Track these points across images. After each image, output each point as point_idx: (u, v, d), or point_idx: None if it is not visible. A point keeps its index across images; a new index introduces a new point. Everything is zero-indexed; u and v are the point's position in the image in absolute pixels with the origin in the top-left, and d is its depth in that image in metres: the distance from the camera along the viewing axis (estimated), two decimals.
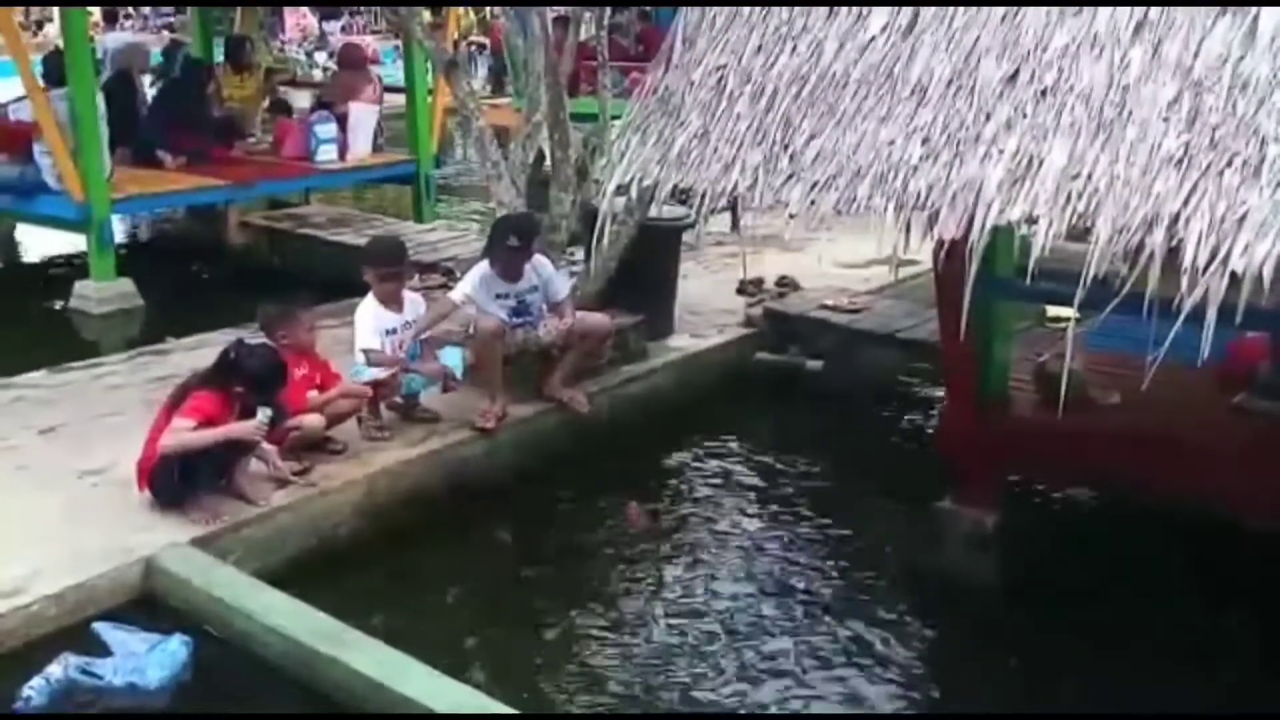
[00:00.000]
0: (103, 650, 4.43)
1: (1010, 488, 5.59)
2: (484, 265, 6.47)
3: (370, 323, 6.15)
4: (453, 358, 6.36)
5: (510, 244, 6.36)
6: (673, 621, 5.11)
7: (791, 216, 4.28)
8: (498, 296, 6.43)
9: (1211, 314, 3.43)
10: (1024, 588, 5.15)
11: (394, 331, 6.22)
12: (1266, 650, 4.61)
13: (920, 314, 7.56)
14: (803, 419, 7.31)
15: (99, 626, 4.54)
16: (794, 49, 4.54)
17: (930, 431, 6.70)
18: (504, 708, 4.03)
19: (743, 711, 4.46)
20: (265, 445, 5.43)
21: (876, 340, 7.71)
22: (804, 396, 7.54)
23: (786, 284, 8.79)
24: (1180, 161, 3.61)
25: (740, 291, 8.71)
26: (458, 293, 6.43)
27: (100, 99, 9.44)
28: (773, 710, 4.50)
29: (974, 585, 5.18)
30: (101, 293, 9.14)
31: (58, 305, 9.44)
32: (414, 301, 6.41)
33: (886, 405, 7.50)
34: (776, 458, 6.78)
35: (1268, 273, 3.33)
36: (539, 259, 6.59)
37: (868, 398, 7.50)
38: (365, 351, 6.09)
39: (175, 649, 4.42)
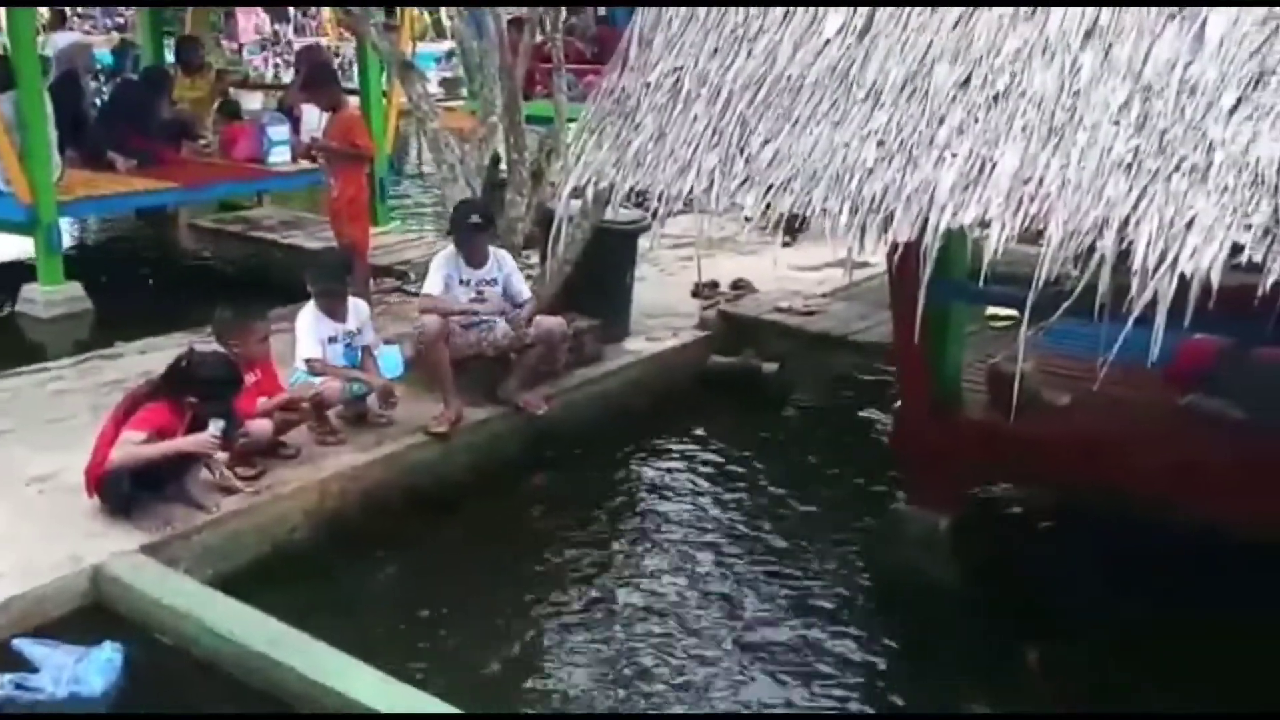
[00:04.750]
0: (28, 667, 4.34)
1: (964, 488, 5.62)
2: (448, 252, 6.49)
3: (311, 331, 6.10)
4: (391, 357, 6.32)
5: (473, 221, 6.39)
6: (626, 622, 5.11)
7: (748, 220, 4.29)
8: (461, 282, 6.43)
9: (1161, 315, 3.46)
10: (977, 587, 5.19)
11: (335, 340, 6.18)
12: (1214, 646, 4.67)
13: (874, 316, 7.60)
14: (758, 421, 7.33)
15: (20, 644, 4.46)
16: (750, 52, 4.55)
17: (885, 433, 6.73)
18: (453, 709, 4.01)
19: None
20: (215, 454, 5.37)
21: (831, 343, 7.75)
22: (759, 399, 7.56)
23: (741, 287, 8.82)
24: (1130, 166, 3.65)
25: (695, 295, 8.73)
26: (433, 286, 6.39)
27: (47, 100, 9.29)
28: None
29: (928, 585, 5.21)
30: (49, 296, 8.99)
31: (4, 309, 9.28)
32: (358, 308, 6.37)
33: (841, 407, 7.53)
34: (732, 460, 6.79)
35: (1215, 275, 3.38)
36: (503, 253, 6.60)
37: (823, 400, 7.53)
38: (307, 361, 6.04)
39: (110, 656, 4.36)
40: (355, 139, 8.23)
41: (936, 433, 5.29)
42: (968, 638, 4.93)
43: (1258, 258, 3.35)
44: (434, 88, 20.72)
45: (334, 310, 6.20)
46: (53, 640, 4.48)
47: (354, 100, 11.11)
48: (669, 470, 6.73)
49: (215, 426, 5.15)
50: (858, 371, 7.80)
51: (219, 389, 5.24)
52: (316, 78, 9.06)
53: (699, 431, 7.17)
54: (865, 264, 5.97)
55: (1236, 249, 3.39)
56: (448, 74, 20.46)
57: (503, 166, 7.47)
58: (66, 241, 10.01)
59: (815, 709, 4.54)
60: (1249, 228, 3.40)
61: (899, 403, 5.66)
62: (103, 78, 15.11)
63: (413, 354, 6.51)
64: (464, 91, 16.14)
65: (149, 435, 5.10)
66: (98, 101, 12.31)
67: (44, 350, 8.14)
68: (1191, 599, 4.84)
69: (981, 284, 4.13)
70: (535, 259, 7.73)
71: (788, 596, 5.32)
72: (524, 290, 6.61)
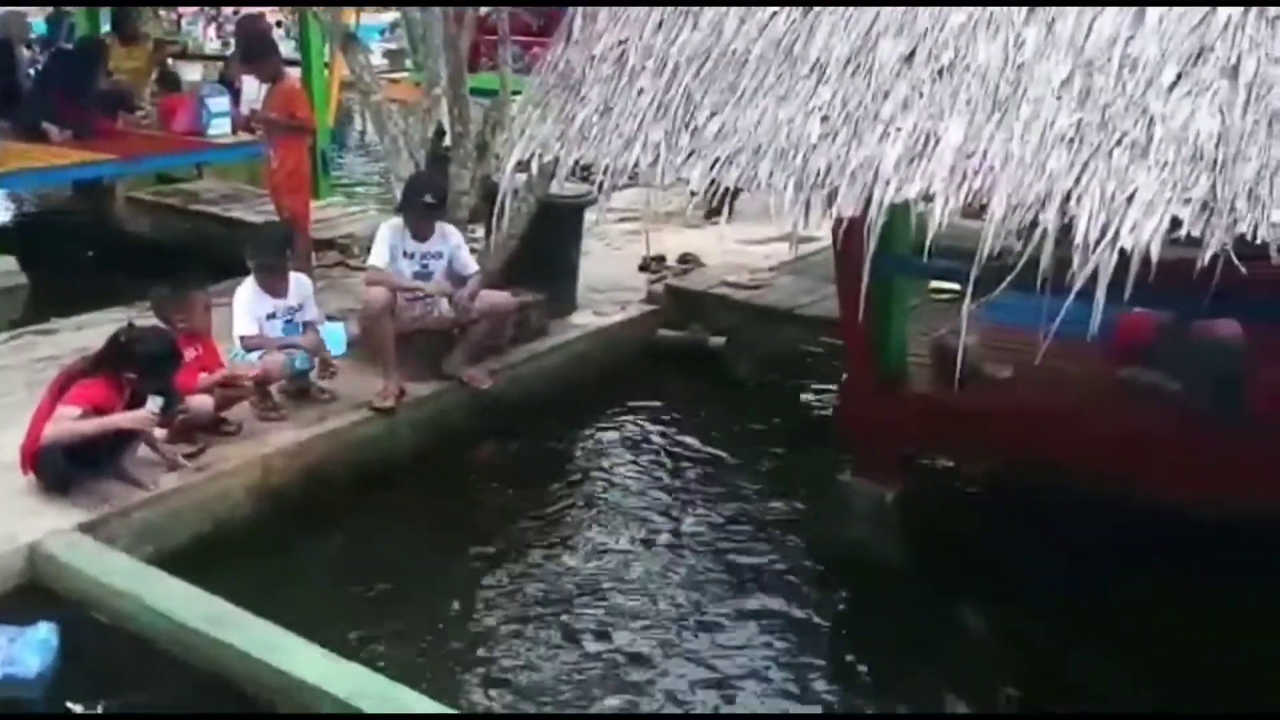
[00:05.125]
0: None
1: (909, 462, 5.67)
2: (394, 222, 6.42)
3: (247, 308, 6.01)
4: (335, 333, 6.25)
5: (428, 201, 6.33)
6: (573, 595, 5.11)
7: (693, 194, 4.28)
8: (405, 255, 6.37)
9: (1101, 289, 3.49)
10: (922, 559, 5.24)
11: (274, 316, 6.09)
12: (1157, 614, 4.75)
13: (820, 290, 7.61)
14: (704, 395, 7.34)
15: None
16: (695, 24, 4.54)
17: (831, 407, 6.77)
18: (396, 685, 3.99)
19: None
20: (154, 431, 5.28)
21: (777, 316, 7.76)
22: (706, 373, 7.57)
23: (689, 261, 8.80)
24: (1072, 140, 3.69)
25: (643, 269, 8.71)
26: (379, 258, 6.31)
27: None
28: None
29: (873, 557, 5.26)
30: None
31: None
32: (300, 283, 6.28)
33: (788, 381, 7.56)
34: (678, 434, 6.80)
35: (1155, 249, 3.41)
36: (449, 227, 6.54)
37: (769, 374, 7.55)
38: (242, 338, 5.96)
39: (45, 637, 4.29)
40: (295, 111, 8.11)
41: (881, 406, 5.33)
42: (912, 608, 4.97)
43: (1196, 232, 3.39)
44: (378, 59, 20.47)
45: (274, 286, 6.11)
46: None
47: (295, 72, 10.96)
48: (615, 444, 6.73)
49: (153, 403, 5.07)
50: (804, 345, 7.82)
51: (157, 365, 5.15)
52: (255, 49, 8.88)
53: (646, 405, 7.17)
54: (812, 238, 5.96)
55: (1176, 223, 3.43)
56: (392, 46, 20.18)
57: (447, 139, 7.40)
58: (1, 215, 9.79)
59: (762, 682, 4.55)
60: (1188, 202, 3.44)
61: (845, 376, 5.69)
62: (37, 47, 14.75)
63: (357, 330, 6.44)
64: (409, 63, 15.94)
65: (85, 411, 5.01)
66: (31, 72, 12.01)
67: None
68: (1134, 569, 4.91)
69: (925, 259, 4.13)
70: (480, 233, 7.67)
71: (733, 569, 5.34)
72: (470, 264, 6.55)
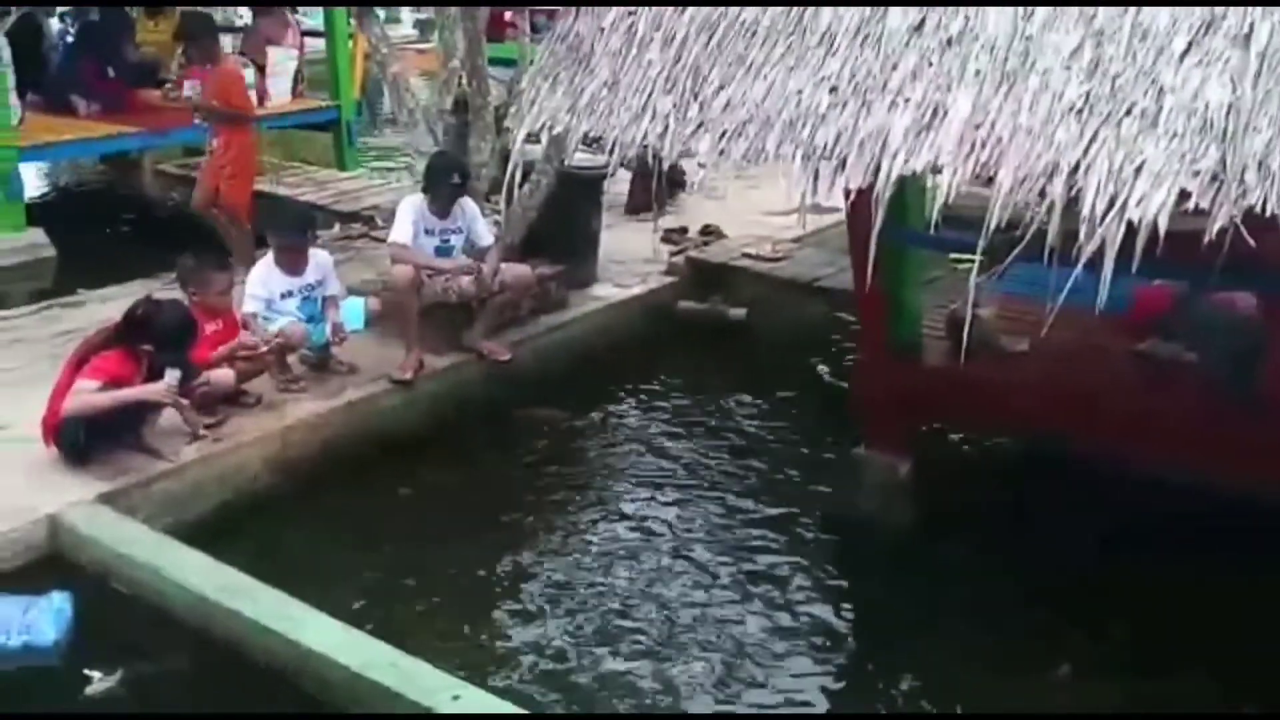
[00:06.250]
0: None
1: (924, 434, 5.65)
2: (415, 199, 6.43)
3: (258, 285, 6.04)
4: (354, 308, 6.29)
5: (454, 182, 6.35)
6: (593, 566, 5.15)
7: (701, 166, 4.27)
8: (426, 232, 6.39)
9: (1109, 261, 3.46)
10: (936, 531, 5.22)
11: (291, 294, 6.12)
12: (1167, 587, 4.73)
13: (840, 262, 7.54)
14: (724, 367, 7.33)
15: None
16: None
17: (848, 379, 6.74)
18: (407, 656, 4.02)
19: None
20: (180, 399, 5.33)
21: (798, 288, 7.75)
22: (726, 345, 7.56)
23: (710, 232, 8.78)
24: (1081, 111, 3.63)
25: (665, 240, 8.69)
26: (403, 234, 6.32)
27: (4, 44, 9.13)
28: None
29: (887, 529, 5.25)
30: (11, 244, 8.85)
31: None
32: (320, 263, 6.29)
33: (807, 353, 7.54)
34: (698, 405, 6.81)
35: (1163, 221, 3.37)
36: (466, 200, 6.56)
37: (788, 345, 7.54)
38: (248, 315, 5.99)
39: (60, 606, 4.36)
40: (231, 98, 7.88)
41: (896, 378, 5.30)
42: (924, 581, 4.96)
43: (1204, 203, 3.34)
44: (409, 30, 20.48)
45: (291, 264, 6.14)
46: None
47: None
48: (635, 415, 6.74)
49: (171, 376, 5.12)
50: (824, 317, 7.78)
51: (174, 337, 5.20)
52: (192, 29, 8.54)
53: (665, 377, 7.18)
54: (835, 209, 5.93)
55: (1184, 195, 3.39)
56: (423, 15, 20.17)
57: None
58: (28, 188, 9.88)
59: (777, 650, 4.57)
60: (1197, 174, 3.38)
61: (859, 349, 5.67)
62: (68, 19, 14.84)
63: (378, 307, 6.45)
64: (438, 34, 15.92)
65: (103, 384, 5.07)
66: (60, 44, 12.10)
67: (5, 299, 8.05)
68: (1149, 544, 4.88)
69: (934, 230, 4.10)
70: (500, 204, 7.67)
71: (750, 541, 5.35)
72: (486, 235, 6.57)
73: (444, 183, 6.35)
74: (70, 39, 12.01)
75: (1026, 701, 4.24)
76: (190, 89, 9.19)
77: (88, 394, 5.07)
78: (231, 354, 5.75)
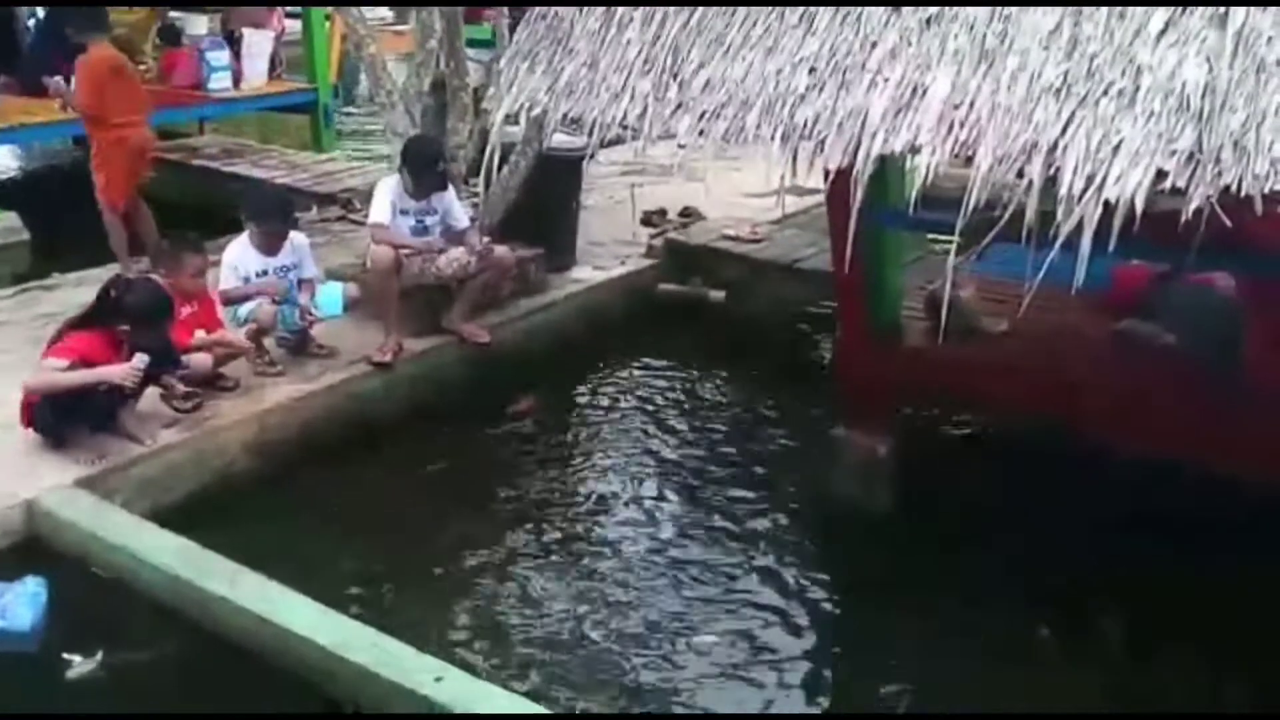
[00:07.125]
0: None
1: (903, 415, 5.66)
2: (392, 179, 6.41)
3: (234, 265, 6.00)
4: (332, 293, 6.26)
5: (438, 169, 6.33)
6: (569, 550, 5.15)
7: (681, 146, 4.25)
8: (403, 212, 6.37)
9: (1086, 241, 3.46)
10: (915, 512, 5.24)
11: (265, 274, 6.09)
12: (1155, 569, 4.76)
13: (820, 244, 7.55)
14: (704, 349, 7.33)
15: None
16: None
17: (828, 360, 6.77)
18: (385, 636, 4.03)
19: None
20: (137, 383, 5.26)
21: (777, 270, 7.75)
22: (706, 326, 7.57)
23: (690, 214, 8.76)
24: (1059, 90, 3.63)
25: (645, 222, 8.67)
26: (382, 214, 6.29)
27: None
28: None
29: (866, 510, 5.26)
30: None
31: None
32: (297, 245, 6.26)
33: (787, 335, 7.55)
34: (676, 387, 6.82)
35: (1140, 201, 3.38)
36: None
37: (768, 327, 7.54)
38: (222, 293, 5.95)
39: (35, 591, 4.35)
40: (78, 96, 7.53)
41: (876, 359, 5.31)
42: (905, 561, 4.98)
43: (1181, 183, 3.35)
44: (386, 11, 20.32)
45: (268, 245, 6.10)
46: None
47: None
48: (615, 397, 6.74)
49: (139, 359, 5.05)
50: (804, 299, 7.78)
51: (147, 316, 5.15)
52: (70, 11, 8.08)
53: (645, 359, 7.18)
54: (815, 190, 5.92)
55: (1161, 174, 3.40)
56: None
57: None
58: (8, 171, 9.80)
59: (757, 635, 4.59)
60: (1174, 153, 3.39)
61: (839, 330, 5.67)
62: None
63: (357, 294, 6.41)
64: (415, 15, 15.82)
65: (71, 363, 5.01)
66: (31, 25, 11.97)
67: None
68: (1132, 525, 4.90)
69: (914, 210, 4.10)
70: (479, 186, 7.64)
71: (729, 522, 5.37)
72: (463, 217, 6.55)
73: (422, 168, 6.31)
74: (39, 20, 11.86)
75: (1007, 681, 4.26)
76: (53, 84, 8.52)
77: (50, 371, 5.02)
78: (211, 345, 5.71)
